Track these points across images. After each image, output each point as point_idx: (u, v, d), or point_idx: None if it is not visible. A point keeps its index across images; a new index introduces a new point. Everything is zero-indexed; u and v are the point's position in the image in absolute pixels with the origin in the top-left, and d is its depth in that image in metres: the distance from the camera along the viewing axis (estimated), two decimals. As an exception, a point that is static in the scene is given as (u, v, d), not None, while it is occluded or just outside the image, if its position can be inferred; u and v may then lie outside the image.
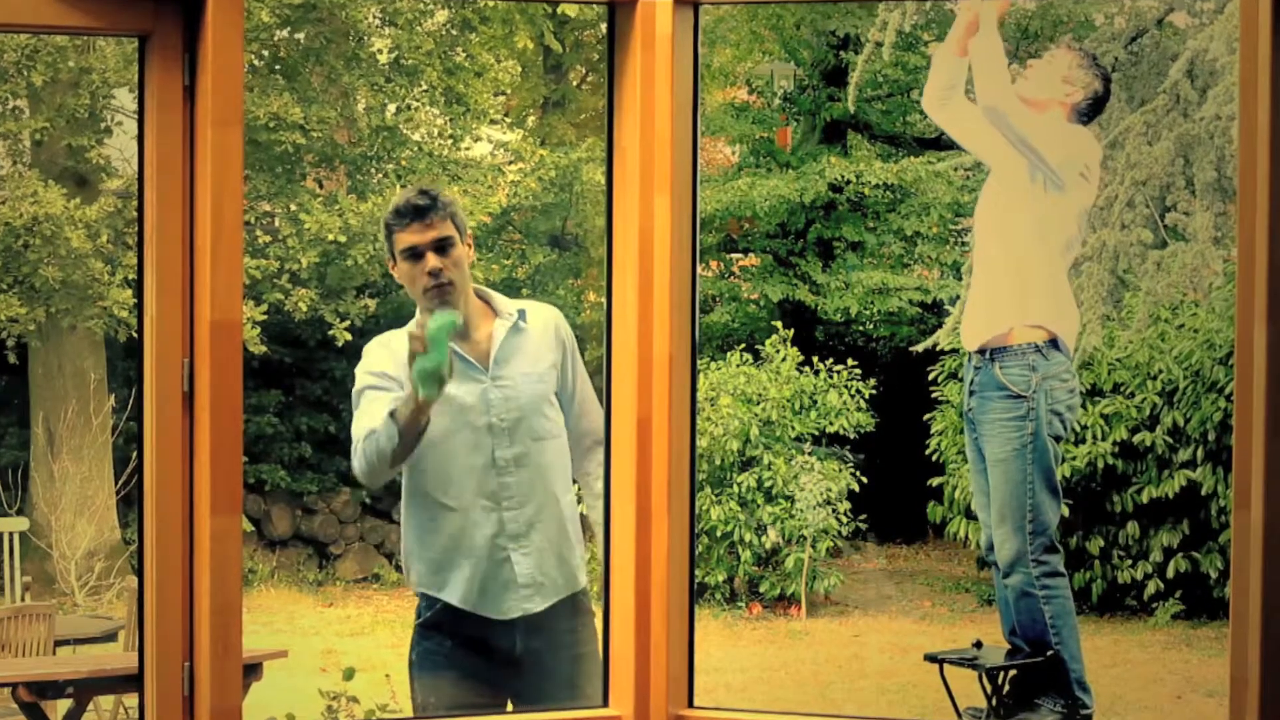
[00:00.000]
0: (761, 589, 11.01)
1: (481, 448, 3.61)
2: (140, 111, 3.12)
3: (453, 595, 3.64)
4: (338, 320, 11.74)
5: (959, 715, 4.70)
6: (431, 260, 3.55)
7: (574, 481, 3.77)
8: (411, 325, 3.49)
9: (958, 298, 9.39)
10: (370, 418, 3.53)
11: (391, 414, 3.45)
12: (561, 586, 3.68)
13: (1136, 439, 10.27)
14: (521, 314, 3.68)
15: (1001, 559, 4.47)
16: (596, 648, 3.64)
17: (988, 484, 4.49)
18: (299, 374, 13.00)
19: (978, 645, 4.66)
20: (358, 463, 3.57)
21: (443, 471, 3.63)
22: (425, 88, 12.51)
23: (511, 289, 12.63)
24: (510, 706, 3.73)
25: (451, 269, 3.57)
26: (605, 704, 3.45)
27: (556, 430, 3.68)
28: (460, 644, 3.69)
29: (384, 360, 3.61)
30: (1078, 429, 10.10)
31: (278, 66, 12.16)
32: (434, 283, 3.56)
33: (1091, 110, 4.46)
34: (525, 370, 3.65)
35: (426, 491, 3.65)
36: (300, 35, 12.16)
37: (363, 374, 3.64)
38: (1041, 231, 4.33)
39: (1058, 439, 4.46)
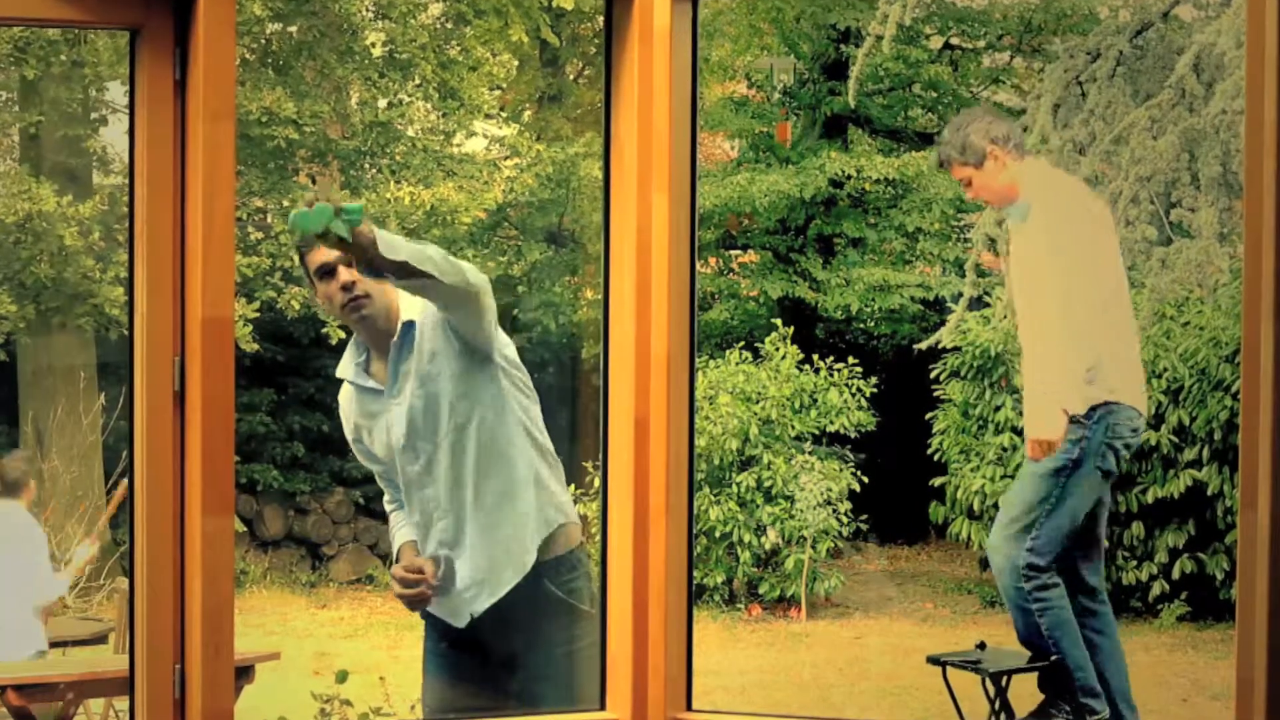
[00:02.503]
0: (761, 590, 10.97)
1: (401, 467, 3.64)
2: (131, 106, 3.10)
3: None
4: (331, 318, 11.70)
5: (961, 718, 4.66)
6: (343, 274, 3.49)
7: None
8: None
9: (960, 295, 9.35)
10: (390, 531, 3.81)
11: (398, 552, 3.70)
12: (509, 576, 3.60)
13: (1141, 438, 10.21)
14: (409, 325, 3.56)
15: (995, 564, 4.42)
16: (582, 646, 3.59)
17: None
18: (291, 372, 12.96)
19: (981, 647, 4.63)
20: None
21: (399, 492, 3.72)
22: (419, 82, 12.48)
23: (508, 286, 12.60)
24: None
25: (367, 282, 3.50)
26: (603, 707, 3.43)
27: (465, 417, 3.55)
28: (452, 645, 3.71)
29: (347, 425, 3.74)
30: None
31: (270, 60, 12.12)
32: (348, 297, 3.51)
33: (1021, 142, 4.50)
34: (416, 378, 3.56)
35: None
36: (293, 29, 12.13)
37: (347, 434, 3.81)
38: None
39: (1105, 474, 4.39)
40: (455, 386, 3.54)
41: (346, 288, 3.50)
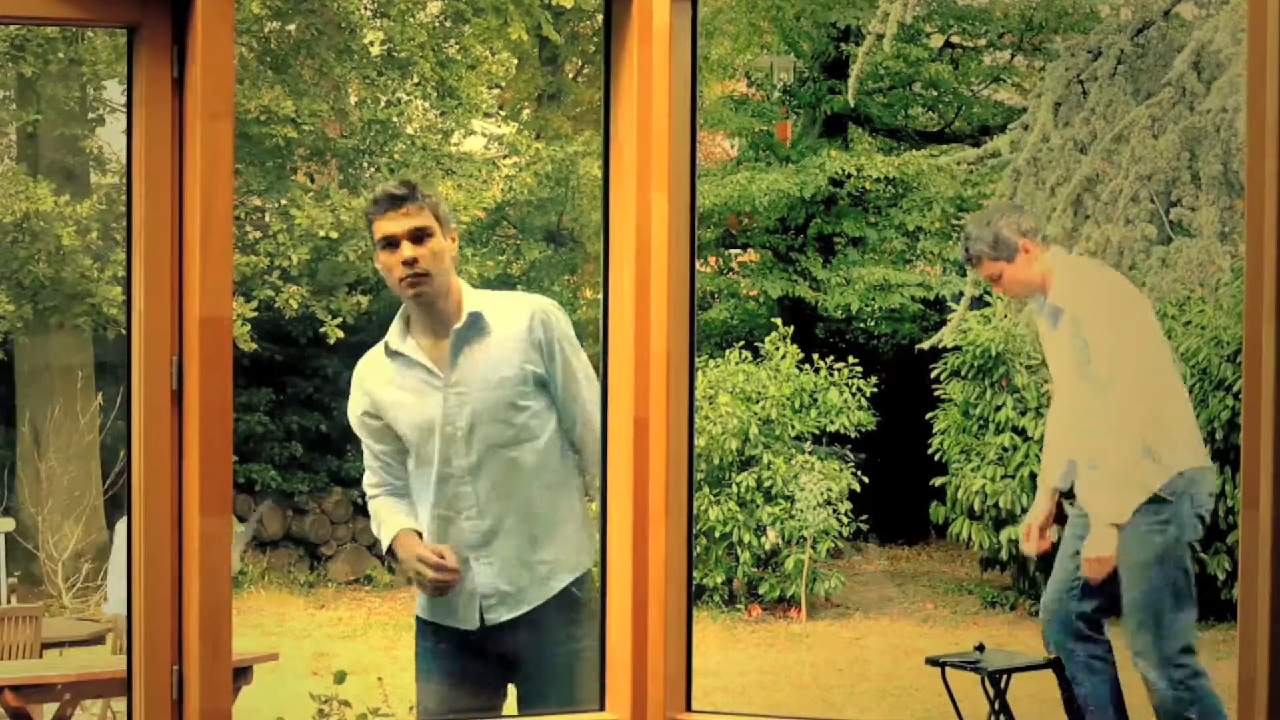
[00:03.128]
0: (761, 591, 10.96)
1: (443, 456, 3.56)
2: (129, 104, 3.09)
3: (420, 603, 3.66)
4: (329, 317, 11.66)
5: (960, 719, 4.66)
6: (406, 249, 3.48)
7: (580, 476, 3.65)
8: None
9: (960, 294, 9.33)
10: (378, 517, 3.68)
11: (391, 544, 3.62)
12: (532, 595, 3.58)
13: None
14: (476, 316, 3.54)
15: (1140, 663, 4.45)
16: (584, 646, 3.58)
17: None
18: (290, 372, 12.94)
19: (980, 648, 4.62)
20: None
21: (420, 481, 3.63)
22: (417, 80, 12.47)
23: (506, 285, 12.60)
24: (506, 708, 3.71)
25: (428, 259, 3.49)
26: (602, 707, 3.42)
27: (528, 434, 3.55)
28: (452, 645, 3.67)
29: (359, 400, 3.66)
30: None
31: (268, 59, 12.11)
32: (409, 272, 3.49)
33: (1045, 233, 4.58)
34: (484, 375, 3.53)
35: (411, 500, 3.68)
36: (291, 27, 12.13)
37: (351, 413, 3.70)
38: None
39: (1196, 544, 4.42)
40: (537, 402, 3.54)
41: (408, 263, 3.48)
